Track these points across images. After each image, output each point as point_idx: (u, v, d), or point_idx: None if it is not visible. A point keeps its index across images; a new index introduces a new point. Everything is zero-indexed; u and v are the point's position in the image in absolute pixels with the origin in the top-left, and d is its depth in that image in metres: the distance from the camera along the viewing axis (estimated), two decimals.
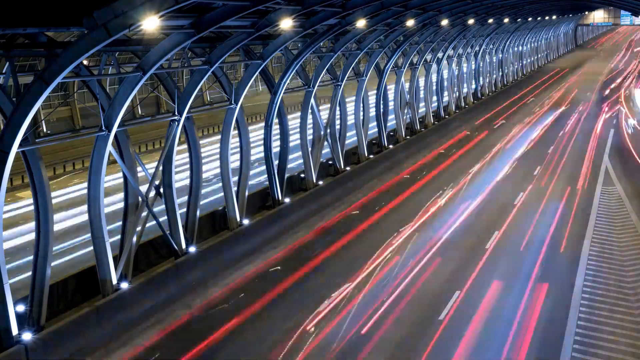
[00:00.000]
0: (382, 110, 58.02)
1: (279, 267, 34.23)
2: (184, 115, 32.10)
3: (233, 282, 32.36)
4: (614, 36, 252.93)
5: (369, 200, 46.38)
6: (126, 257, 29.33)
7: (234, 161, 37.96)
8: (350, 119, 53.09)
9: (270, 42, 37.82)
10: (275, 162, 41.37)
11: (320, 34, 40.41)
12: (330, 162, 49.91)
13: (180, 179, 42.19)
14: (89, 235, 28.05)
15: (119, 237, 30.31)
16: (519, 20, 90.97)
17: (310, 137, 45.95)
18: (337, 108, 49.78)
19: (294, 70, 41.39)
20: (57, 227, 32.78)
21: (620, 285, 30.65)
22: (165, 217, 32.48)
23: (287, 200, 41.52)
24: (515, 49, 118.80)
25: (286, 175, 42.71)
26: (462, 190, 48.52)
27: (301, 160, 45.59)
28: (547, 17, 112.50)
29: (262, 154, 41.33)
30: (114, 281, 28.22)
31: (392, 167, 55.18)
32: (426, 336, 26.56)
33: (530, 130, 73.75)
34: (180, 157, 40.59)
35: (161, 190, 32.11)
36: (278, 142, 42.51)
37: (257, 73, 37.98)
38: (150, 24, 23.50)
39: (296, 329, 27.44)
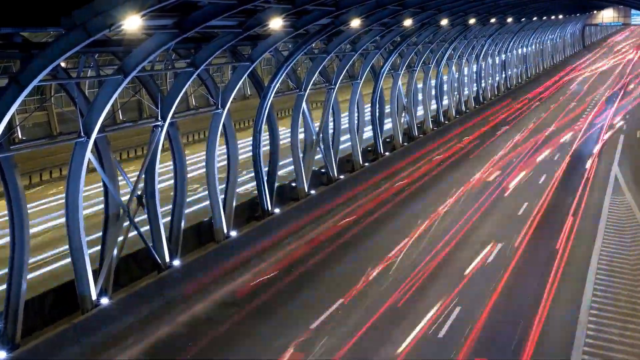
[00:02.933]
0: (378, 115, 58.17)
1: (268, 281, 34.29)
2: (168, 120, 32.18)
3: (220, 297, 32.40)
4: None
5: (364, 210, 46.44)
6: (106, 271, 29.36)
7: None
8: (344, 125, 53.23)
9: (259, 42, 37.96)
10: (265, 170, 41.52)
11: (312, 35, 40.57)
12: (323, 170, 50.01)
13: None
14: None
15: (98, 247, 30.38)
16: (523, 20, 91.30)
17: (301, 144, 46.08)
18: (330, 113, 49.92)
19: (285, 73, 41.53)
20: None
21: None
22: (148, 229, 32.54)
23: (277, 210, 41.59)
24: (520, 50, 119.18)
25: (276, 184, 42.79)
26: (461, 203, 48.63)
27: (292, 168, 45.70)
28: (552, 17, 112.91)
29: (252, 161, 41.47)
30: (94, 296, 28.25)
31: (388, 175, 55.27)
32: None
33: (535, 136, 73.96)
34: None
35: (143, 200, 32.18)
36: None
37: (245, 76, 38.11)
38: (132, 23, 23.62)
39: (287, 346, 27.50)
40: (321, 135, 47.71)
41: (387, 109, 61.06)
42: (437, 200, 48.23)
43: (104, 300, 28.75)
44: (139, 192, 31.97)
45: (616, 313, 29.11)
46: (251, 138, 41.02)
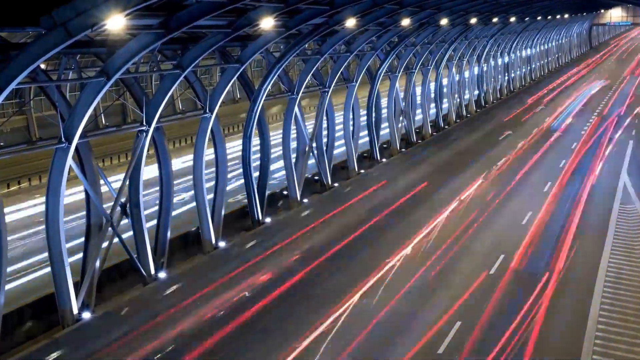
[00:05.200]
0: (374, 119, 58.28)
1: (258, 294, 34.28)
2: (153, 125, 32.25)
3: (207, 311, 32.38)
4: None
5: (358, 220, 46.37)
6: (88, 284, 29.39)
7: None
8: (339, 130, 53.32)
9: (250, 43, 38.07)
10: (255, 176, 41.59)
11: (305, 35, 40.70)
12: (316, 178, 50.08)
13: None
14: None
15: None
16: (526, 19, 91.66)
17: (294, 150, 46.16)
18: (324, 117, 50.00)
19: (276, 75, 41.63)
20: None
21: None
22: (133, 239, 32.56)
23: (268, 220, 41.64)
24: (523, 51, 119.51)
25: (267, 193, 42.85)
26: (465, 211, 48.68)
27: (284, 175, 45.76)
28: (558, 16, 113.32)
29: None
30: (75, 310, 28.28)
31: (385, 183, 55.24)
32: None
33: (540, 143, 74.03)
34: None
35: (127, 209, 32.21)
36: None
37: (234, 78, 38.22)
38: (116, 23, 23.71)
39: None
40: (314, 140, 47.78)
41: (384, 113, 61.20)
42: (437, 207, 48.33)
43: (86, 315, 28.77)
44: (123, 201, 32.04)
45: None
46: (241, 143, 41.10)
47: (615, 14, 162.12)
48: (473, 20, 64.62)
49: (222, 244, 37.45)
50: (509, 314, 30.22)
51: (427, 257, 37.94)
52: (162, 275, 33.18)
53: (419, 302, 32.43)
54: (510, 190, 52.13)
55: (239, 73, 37.96)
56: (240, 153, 41.48)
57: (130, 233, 33.35)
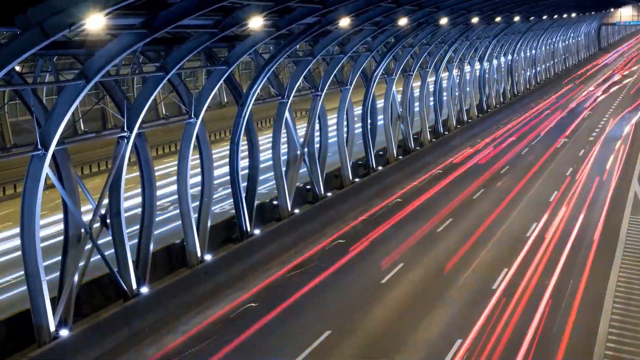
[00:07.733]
0: (369, 125, 58.29)
1: (246, 311, 34.32)
2: (135, 131, 32.22)
3: (193, 329, 32.41)
4: None
5: (353, 231, 46.48)
6: (66, 299, 29.32)
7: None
8: (332, 136, 53.33)
9: (237, 44, 38.12)
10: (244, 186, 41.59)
11: (296, 35, 40.75)
12: (308, 187, 50.04)
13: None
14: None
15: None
16: (531, 19, 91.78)
17: (284, 157, 46.15)
18: (317, 122, 49.98)
19: (266, 78, 41.65)
20: None
21: None
22: (113, 252, 32.54)
23: (257, 231, 41.62)
24: (528, 52, 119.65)
25: (256, 202, 42.84)
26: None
27: (274, 184, 45.75)
28: (565, 15, 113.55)
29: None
30: (52, 327, 28.21)
31: (381, 192, 55.26)
32: None
33: (544, 149, 74.31)
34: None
35: (108, 220, 32.18)
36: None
37: (221, 81, 38.20)
38: (95, 23, 23.70)
39: None
40: (306, 147, 47.75)
41: (380, 119, 61.23)
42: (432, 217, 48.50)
43: (64, 332, 28.71)
44: (103, 211, 32.03)
45: None
46: (228, 150, 41.13)
47: (626, 13, 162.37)
48: (474, 20, 64.68)
49: (208, 257, 37.41)
50: None
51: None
52: (144, 290, 33.13)
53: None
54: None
55: (226, 75, 37.95)
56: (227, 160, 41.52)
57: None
